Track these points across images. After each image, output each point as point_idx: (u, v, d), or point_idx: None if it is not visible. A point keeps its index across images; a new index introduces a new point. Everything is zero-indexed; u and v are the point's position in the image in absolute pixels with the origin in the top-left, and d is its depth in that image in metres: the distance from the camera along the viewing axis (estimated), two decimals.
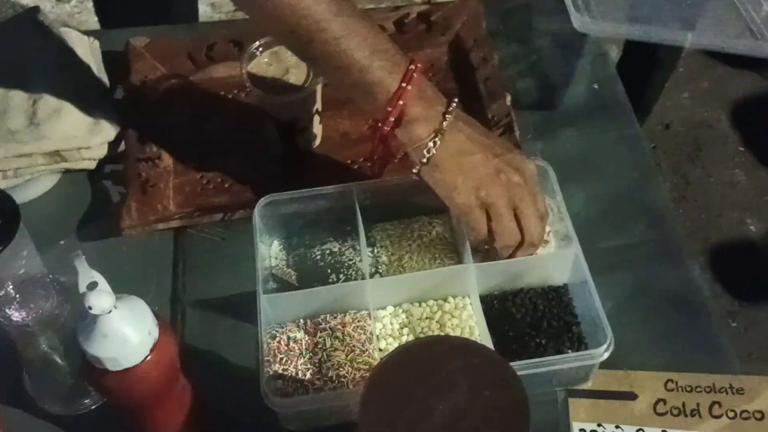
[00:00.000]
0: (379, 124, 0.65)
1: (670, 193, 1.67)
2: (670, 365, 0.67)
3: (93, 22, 2.11)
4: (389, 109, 0.64)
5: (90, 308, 0.50)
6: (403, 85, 0.63)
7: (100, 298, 0.50)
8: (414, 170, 0.67)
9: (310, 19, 0.62)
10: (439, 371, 0.50)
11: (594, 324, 0.66)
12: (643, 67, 0.91)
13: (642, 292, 0.73)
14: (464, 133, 0.66)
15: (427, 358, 0.51)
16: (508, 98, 0.83)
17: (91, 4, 2.10)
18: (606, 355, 0.62)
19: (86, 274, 0.51)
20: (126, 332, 0.51)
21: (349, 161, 0.83)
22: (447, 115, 0.65)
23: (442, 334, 0.69)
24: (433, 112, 0.65)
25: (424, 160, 0.65)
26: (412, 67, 0.64)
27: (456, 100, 0.66)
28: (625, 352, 0.65)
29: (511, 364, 0.51)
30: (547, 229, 0.75)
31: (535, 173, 0.68)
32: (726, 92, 1.89)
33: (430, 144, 0.65)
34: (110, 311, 0.50)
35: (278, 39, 0.75)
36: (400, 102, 0.64)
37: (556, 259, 0.70)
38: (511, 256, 0.69)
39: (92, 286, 0.51)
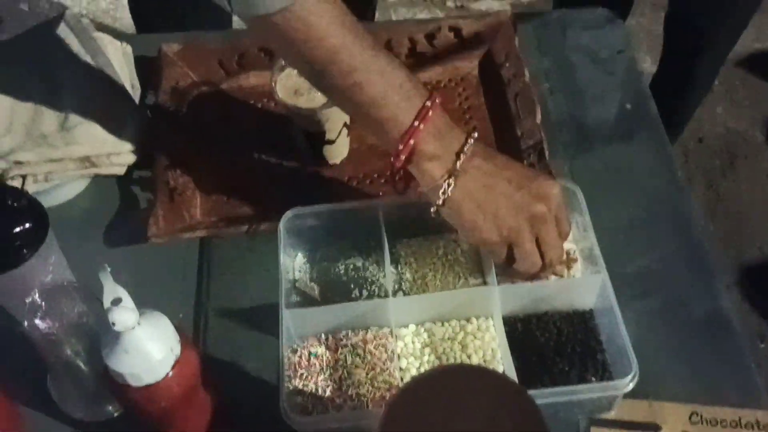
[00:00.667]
0: (392, 159, 0.64)
1: (701, 208, 1.64)
2: (696, 395, 0.66)
3: (127, 18, 2.13)
4: (400, 147, 0.63)
5: (113, 324, 0.50)
6: (416, 123, 0.62)
7: (124, 315, 0.50)
8: (432, 210, 0.66)
9: (323, 49, 0.61)
10: (459, 399, 0.49)
11: (619, 351, 0.65)
12: (679, 83, 0.89)
13: (670, 317, 0.72)
14: (482, 171, 0.64)
15: (448, 385, 0.51)
16: (539, 116, 0.82)
17: (125, 1, 2.14)
18: (630, 386, 0.61)
19: (111, 289, 0.52)
20: (148, 349, 0.52)
21: (376, 174, 0.83)
22: (462, 154, 0.63)
23: (464, 355, 0.68)
24: (447, 151, 0.63)
25: (440, 202, 0.64)
26: (428, 104, 0.62)
27: (475, 134, 0.64)
28: (651, 380, 0.64)
29: (534, 392, 0.50)
30: (574, 247, 0.74)
31: (560, 197, 0.66)
32: (760, 106, 1.86)
33: (445, 185, 0.63)
34: (133, 328, 0.51)
35: (292, 65, 0.74)
36: (411, 141, 0.62)
37: (583, 284, 0.69)
38: (533, 277, 0.69)
39: (116, 301, 0.51)
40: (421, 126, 0.62)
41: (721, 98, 1.88)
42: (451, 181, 0.63)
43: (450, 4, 2.22)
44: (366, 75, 0.62)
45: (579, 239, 0.74)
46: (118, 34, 0.91)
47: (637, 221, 0.78)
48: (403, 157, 0.63)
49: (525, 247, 0.65)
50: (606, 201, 0.78)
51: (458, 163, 0.63)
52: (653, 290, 0.73)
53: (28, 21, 2.35)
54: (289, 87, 0.77)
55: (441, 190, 0.64)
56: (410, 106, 0.62)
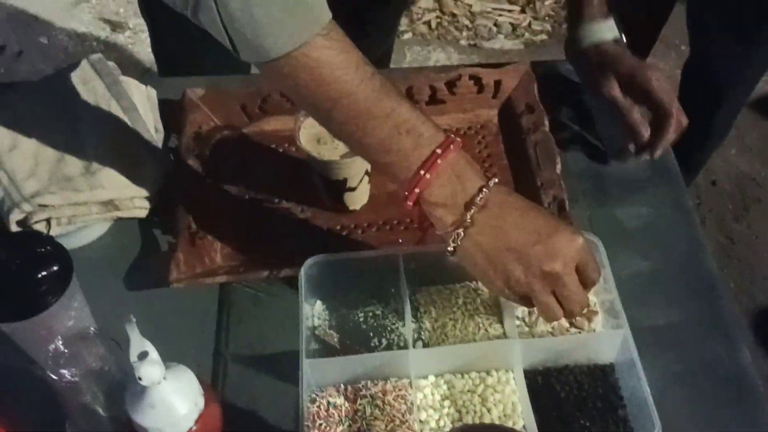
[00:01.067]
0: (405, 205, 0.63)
1: (714, 253, 1.64)
2: None
3: (146, 53, 2.17)
4: (406, 193, 0.62)
5: (140, 379, 0.50)
6: (421, 172, 0.61)
7: (150, 370, 0.50)
8: (448, 250, 0.64)
9: (329, 94, 0.60)
10: None
11: (640, 407, 0.65)
12: (696, 130, 0.89)
13: (691, 373, 0.71)
14: (494, 224, 0.62)
15: None
16: (558, 165, 0.82)
17: (144, 35, 2.17)
18: None
19: (137, 342, 0.52)
20: (173, 403, 0.52)
21: (395, 221, 0.83)
22: (472, 206, 0.61)
23: (484, 408, 0.68)
24: (457, 200, 0.62)
25: (450, 249, 0.64)
26: (438, 151, 0.61)
27: (495, 180, 0.62)
28: None
29: None
30: (594, 299, 0.74)
31: (582, 250, 0.63)
32: None
33: (454, 235, 0.62)
34: (159, 382, 0.51)
35: (300, 107, 0.74)
36: (416, 189, 0.62)
37: (604, 338, 0.69)
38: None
39: (143, 355, 0.51)
40: (427, 175, 0.61)
41: (734, 141, 1.88)
42: (461, 231, 0.62)
43: (463, 42, 2.24)
44: (372, 120, 0.61)
45: (599, 291, 0.74)
46: (141, 73, 0.92)
47: (658, 274, 0.78)
48: (410, 203, 0.63)
49: (540, 301, 0.63)
50: (626, 253, 0.78)
51: (468, 215, 0.62)
52: (673, 345, 0.73)
53: (47, 53, 2.37)
54: (312, 135, 0.78)
55: (451, 239, 0.63)
56: (418, 152, 0.61)
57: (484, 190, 0.62)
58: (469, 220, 0.62)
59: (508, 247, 0.62)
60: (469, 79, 0.90)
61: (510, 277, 0.62)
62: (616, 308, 0.69)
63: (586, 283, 0.65)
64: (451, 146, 0.62)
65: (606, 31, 0.85)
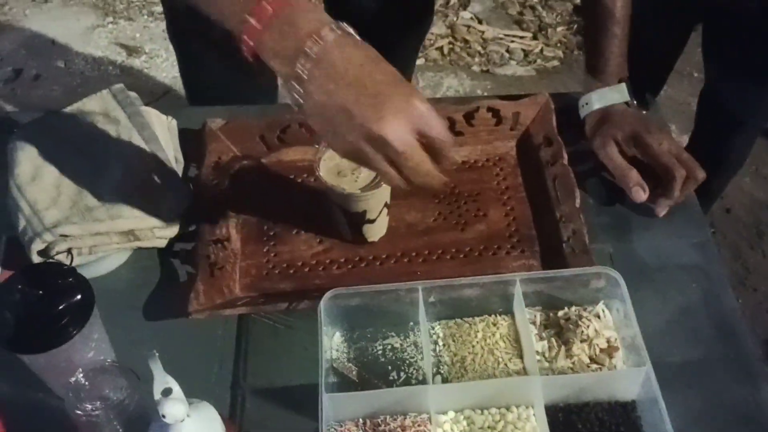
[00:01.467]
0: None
1: (729, 281, 1.62)
2: None
3: (162, 78, 2.19)
4: (242, 45, 0.58)
5: (164, 416, 0.50)
6: (249, 20, 0.57)
7: (174, 407, 0.50)
8: (293, 107, 0.60)
9: None
10: None
11: None
12: (711, 160, 0.90)
13: (713, 412, 0.70)
14: (328, 80, 0.56)
15: None
16: (578, 199, 0.82)
17: (160, 60, 2.19)
18: None
19: (161, 378, 0.52)
20: None
21: (414, 253, 0.83)
22: (301, 57, 0.56)
23: None
24: (288, 52, 0.57)
25: (296, 108, 0.59)
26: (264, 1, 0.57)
27: (335, 27, 0.57)
28: None
29: None
30: (615, 335, 0.73)
31: (416, 112, 0.57)
32: None
33: (294, 94, 0.58)
34: (183, 420, 0.51)
35: None
36: (246, 37, 0.57)
37: (627, 376, 0.69)
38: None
39: (167, 392, 0.51)
40: (255, 23, 0.57)
41: (749, 169, 1.87)
42: (299, 89, 0.57)
43: (475, 68, 2.25)
44: None
45: (620, 327, 0.73)
46: (156, 98, 0.92)
47: (679, 311, 0.78)
48: (247, 56, 0.59)
49: (375, 168, 0.59)
50: (647, 288, 0.78)
51: (299, 67, 0.56)
52: (695, 383, 0.72)
53: (64, 77, 2.40)
54: (332, 167, 0.78)
55: (295, 95, 0.58)
56: (245, 2, 0.57)
57: (316, 39, 0.56)
58: (303, 74, 0.57)
59: (340, 105, 0.57)
60: (487, 111, 0.90)
61: (342, 140, 0.58)
62: (637, 344, 0.69)
63: (434, 148, 0.59)
64: None
65: (616, 96, 0.88)
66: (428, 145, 0.59)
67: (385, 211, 0.81)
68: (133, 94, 0.90)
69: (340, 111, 0.57)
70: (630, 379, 0.68)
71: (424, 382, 0.71)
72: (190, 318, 0.76)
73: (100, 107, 0.88)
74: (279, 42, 0.57)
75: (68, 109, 0.89)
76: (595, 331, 0.73)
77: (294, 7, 0.58)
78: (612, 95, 0.88)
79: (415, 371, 0.74)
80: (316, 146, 0.79)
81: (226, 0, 0.59)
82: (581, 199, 0.83)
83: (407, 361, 0.74)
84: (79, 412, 0.60)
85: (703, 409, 0.71)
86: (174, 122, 0.91)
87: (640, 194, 0.83)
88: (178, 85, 2.14)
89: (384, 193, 0.78)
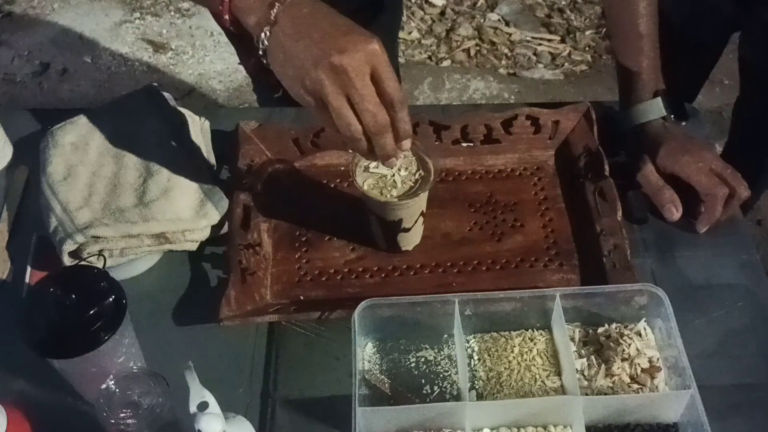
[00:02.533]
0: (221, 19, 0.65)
1: None
2: None
3: (188, 74, 2.19)
4: (219, 7, 0.64)
5: (200, 431, 0.49)
6: None
7: (211, 423, 0.49)
8: (258, 53, 0.64)
9: None
10: None
11: None
12: (745, 170, 0.88)
13: None
14: (296, 20, 0.62)
15: None
16: (620, 212, 0.80)
17: (186, 57, 2.19)
18: None
19: (197, 392, 0.50)
20: None
21: (449, 263, 0.81)
22: (277, 3, 0.62)
23: None
24: (261, 2, 0.63)
25: (260, 52, 0.64)
26: None
27: None
28: None
29: None
30: (657, 354, 0.71)
31: (376, 53, 0.61)
32: None
33: (262, 35, 0.63)
34: None
35: None
36: (226, 9, 0.64)
37: (670, 398, 0.66)
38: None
39: (203, 406, 0.50)
40: None
41: None
42: (267, 30, 0.62)
43: (502, 71, 2.23)
44: None
45: (663, 346, 0.71)
46: (182, 95, 0.91)
47: (725, 332, 0.75)
48: (226, 17, 0.64)
49: (332, 104, 0.62)
50: (691, 307, 0.76)
51: (272, 12, 0.62)
52: (742, 409, 0.69)
53: (91, 73, 2.41)
54: (368, 174, 0.77)
55: (260, 42, 0.63)
56: None
57: None
58: (273, 18, 0.62)
59: (306, 43, 0.61)
60: (526, 119, 0.88)
61: (302, 72, 0.61)
62: (681, 365, 0.67)
63: (386, 98, 0.63)
64: None
65: (652, 111, 0.86)
66: (381, 92, 0.63)
67: (421, 219, 0.79)
68: (167, 94, 0.89)
69: (304, 47, 0.61)
70: (675, 401, 0.66)
71: (458, 396, 0.70)
72: (221, 324, 0.74)
73: (134, 106, 0.87)
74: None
75: (102, 108, 0.88)
76: (637, 350, 0.71)
77: None
78: (647, 112, 0.85)
79: (449, 385, 0.72)
80: (351, 152, 0.77)
81: None
82: (622, 211, 0.80)
83: (441, 375, 0.73)
84: (111, 420, 0.58)
85: None
86: (207, 123, 0.90)
87: (673, 213, 0.82)
88: (204, 82, 2.14)
89: (421, 201, 0.77)
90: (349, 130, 0.63)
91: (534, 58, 2.26)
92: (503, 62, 2.25)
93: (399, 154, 0.67)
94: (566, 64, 2.25)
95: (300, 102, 0.64)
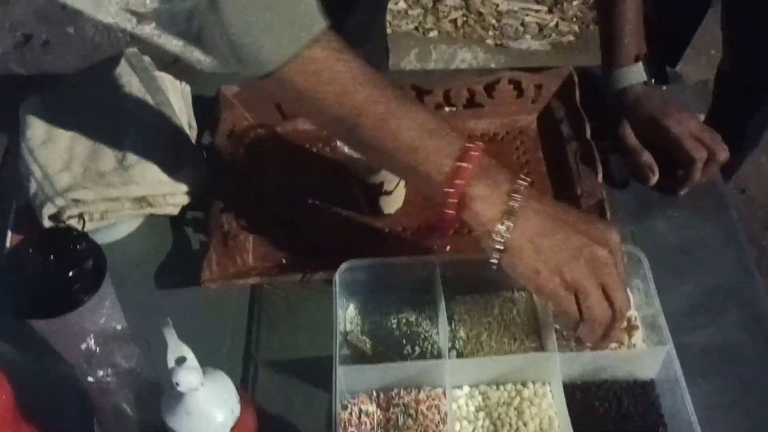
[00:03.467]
0: (445, 210, 0.61)
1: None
2: None
3: (171, 45, 2.17)
4: (447, 190, 0.60)
5: (177, 384, 0.49)
6: (459, 164, 0.59)
7: (188, 376, 0.49)
8: (492, 260, 0.62)
9: (352, 104, 0.60)
10: None
11: (682, 429, 0.63)
12: (728, 137, 0.88)
13: (736, 396, 0.69)
14: (539, 213, 0.61)
15: None
16: (600, 174, 0.80)
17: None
18: None
19: (175, 346, 0.51)
20: (210, 411, 0.51)
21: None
22: (515, 194, 0.60)
23: (520, 422, 0.66)
24: (499, 191, 0.60)
25: (500, 246, 0.61)
26: (469, 144, 0.60)
27: (526, 179, 0.61)
28: None
29: None
30: (636, 314, 0.72)
31: (618, 240, 0.63)
32: None
33: (503, 228, 0.60)
34: (197, 389, 0.50)
35: (328, 129, 0.71)
36: (458, 181, 0.59)
37: (647, 355, 0.67)
38: (604, 337, 0.64)
39: (180, 361, 0.50)
40: (467, 165, 0.59)
41: (765, 150, 1.85)
42: (509, 223, 0.60)
43: (489, 42, 2.22)
44: (400, 121, 0.60)
45: (641, 306, 0.72)
46: (165, 66, 0.90)
47: (703, 292, 0.76)
48: (453, 201, 0.60)
49: (592, 296, 0.61)
50: (670, 269, 0.76)
51: (515, 204, 0.60)
52: (718, 366, 0.71)
53: (73, 44, 2.37)
54: None
55: (499, 235, 0.60)
56: (450, 147, 0.60)
57: (521, 181, 0.61)
58: (516, 209, 0.60)
59: (556, 236, 0.60)
60: (508, 83, 0.88)
61: (562, 268, 0.60)
62: (658, 324, 0.68)
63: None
64: (478, 142, 0.61)
65: (633, 76, 0.86)
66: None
67: (402, 183, 0.80)
68: (146, 59, 0.88)
69: (558, 238, 0.60)
70: (650, 358, 0.67)
71: (438, 356, 0.70)
72: (203, 287, 0.75)
73: (114, 72, 0.86)
74: (490, 183, 0.60)
75: (82, 74, 0.87)
76: None
77: (487, 158, 0.61)
78: (628, 76, 0.85)
79: (429, 346, 0.72)
80: None
81: (423, 138, 0.61)
82: (603, 173, 0.81)
83: (422, 336, 0.73)
84: (90, 379, 0.59)
85: (726, 394, 0.70)
86: (188, 88, 0.89)
87: (649, 177, 0.82)
88: (189, 53, 2.11)
89: None
90: (602, 316, 0.62)
91: (521, 28, 2.25)
92: (490, 33, 2.24)
93: None
94: (553, 34, 2.24)
95: (542, 294, 0.63)
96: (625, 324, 0.68)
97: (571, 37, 2.23)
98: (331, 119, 0.62)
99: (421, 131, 0.61)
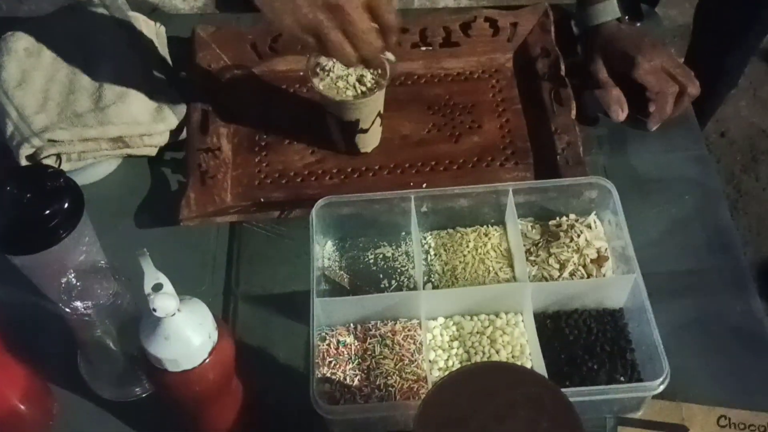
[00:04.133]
0: None
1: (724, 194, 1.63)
2: (726, 400, 0.66)
3: None
4: None
5: (154, 310, 0.50)
6: None
7: (165, 301, 0.50)
8: None
9: None
10: (497, 398, 0.49)
11: (649, 352, 0.65)
12: (707, 77, 0.89)
13: (702, 321, 0.71)
14: None
15: (486, 383, 0.51)
16: (573, 111, 0.81)
17: None
18: (661, 388, 0.61)
19: (152, 274, 0.52)
20: (188, 335, 0.52)
21: (407, 164, 0.82)
22: None
23: (492, 350, 0.69)
24: None
25: None
26: None
27: None
28: (680, 381, 0.64)
29: (565, 390, 0.50)
30: (605, 245, 0.74)
31: None
32: None
33: None
34: (174, 314, 0.51)
35: None
36: None
37: (615, 284, 0.69)
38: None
39: (157, 287, 0.51)
40: None
41: (746, 93, 1.86)
42: None
43: None
44: None
45: (611, 237, 0.74)
46: (147, 12, 0.89)
47: (672, 222, 0.78)
48: None
49: (332, 41, 0.65)
50: (640, 200, 0.78)
51: None
52: (685, 293, 0.73)
53: None
54: (325, 76, 0.77)
55: None
56: None
57: None
58: None
59: None
60: (484, 21, 0.88)
61: (299, 15, 0.63)
62: (627, 254, 0.69)
63: (382, 25, 0.66)
64: None
65: (606, 13, 0.85)
66: (376, 20, 0.66)
67: (378, 121, 0.80)
68: None
69: None
70: (618, 286, 0.69)
71: (414, 289, 0.72)
72: (182, 225, 0.76)
73: (87, 12, 0.86)
74: None
75: (54, 14, 0.87)
76: (586, 240, 0.73)
77: None
78: (601, 13, 0.85)
79: (406, 279, 0.74)
80: (308, 56, 0.77)
81: None
82: (577, 110, 0.82)
83: (399, 270, 0.75)
84: (71, 312, 0.60)
85: (692, 318, 0.72)
86: (162, 29, 0.89)
87: (618, 113, 0.82)
88: (167, 1, 2.08)
89: (377, 101, 0.77)
90: (347, 59, 0.66)
91: None
92: None
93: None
94: None
95: (296, 38, 0.66)
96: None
97: None
98: None
99: None
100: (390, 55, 0.73)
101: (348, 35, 0.65)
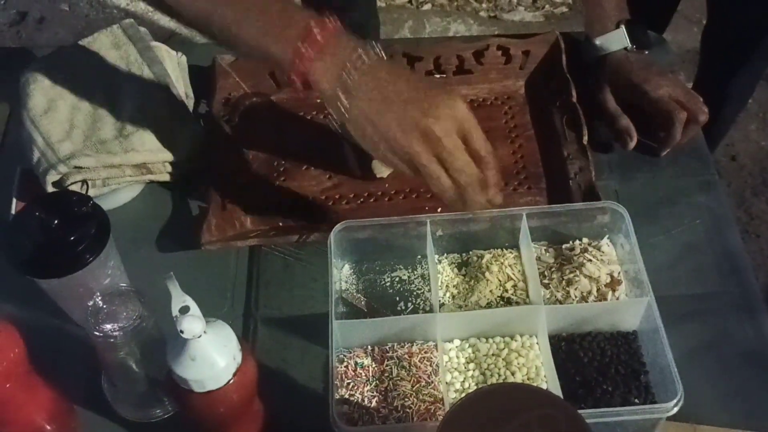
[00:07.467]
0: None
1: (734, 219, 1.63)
2: (738, 422, 0.67)
3: (166, 20, 2.17)
4: (290, 72, 0.64)
5: (182, 332, 0.52)
6: (300, 45, 0.62)
7: (192, 323, 0.52)
8: (335, 121, 0.67)
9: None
10: (514, 420, 0.50)
11: (662, 374, 0.66)
12: (715, 100, 0.90)
13: (714, 344, 0.72)
14: (373, 90, 0.63)
15: (503, 404, 0.52)
16: (585, 137, 0.83)
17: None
18: (675, 410, 0.62)
19: (178, 297, 0.54)
20: (213, 357, 0.53)
21: (422, 189, 0.84)
22: (351, 72, 0.62)
23: (508, 372, 0.70)
24: (335, 68, 0.63)
25: (344, 116, 0.64)
26: (313, 24, 0.62)
27: (375, 49, 0.65)
28: (693, 403, 0.65)
29: (581, 412, 0.51)
30: (619, 269, 0.75)
31: (462, 112, 0.64)
32: None
33: (339, 104, 0.63)
34: (200, 336, 0.52)
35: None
36: (297, 61, 0.63)
37: (628, 306, 0.70)
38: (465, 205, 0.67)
39: (184, 310, 0.53)
40: (306, 47, 0.62)
41: (755, 117, 1.87)
42: (344, 99, 0.63)
43: (483, 14, 2.23)
44: (244, 24, 0.64)
45: (624, 261, 0.75)
46: (161, 41, 0.92)
47: (683, 247, 0.79)
48: (296, 80, 0.64)
49: (426, 169, 0.64)
50: (652, 224, 0.79)
51: (347, 81, 0.62)
52: (696, 316, 0.74)
53: (68, 21, 2.38)
54: None
55: (339, 109, 0.64)
56: (292, 28, 0.63)
57: (362, 55, 0.63)
58: (349, 83, 0.62)
59: (389, 108, 0.63)
60: (497, 49, 0.90)
61: (389, 138, 0.63)
62: (640, 278, 0.70)
63: (475, 155, 0.65)
64: (325, 20, 0.63)
65: (614, 42, 0.87)
66: (469, 148, 0.65)
67: None
68: (143, 29, 0.90)
69: (389, 112, 0.63)
70: (632, 309, 0.70)
71: (431, 312, 0.73)
72: (203, 249, 0.77)
73: (110, 42, 0.88)
74: (328, 62, 0.63)
75: (80, 44, 0.89)
76: (600, 264, 0.75)
77: (339, 38, 0.64)
78: (609, 42, 0.87)
79: (422, 302, 0.76)
80: None
81: (270, 26, 0.64)
82: (589, 135, 0.83)
83: (414, 293, 0.76)
84: (97, 333, 0.61)
85: (704, 341, 0.73)
86: (184, 58, 0.91)
87: (627, 143, 0.84)
88: (183, 28, 2.12)
89: None
90: (443, 189, 0.65)
91: (515, 0, 2.26)
92: (484, 5, 2.24)
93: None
94: (547, 6, 2.25)
95: (384, 160, 0.66)
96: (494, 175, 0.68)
97: (564, 9, 2.24)
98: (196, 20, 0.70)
99: (263, 32, 0.64)
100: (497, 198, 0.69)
101: (445, 164, 0.64)
